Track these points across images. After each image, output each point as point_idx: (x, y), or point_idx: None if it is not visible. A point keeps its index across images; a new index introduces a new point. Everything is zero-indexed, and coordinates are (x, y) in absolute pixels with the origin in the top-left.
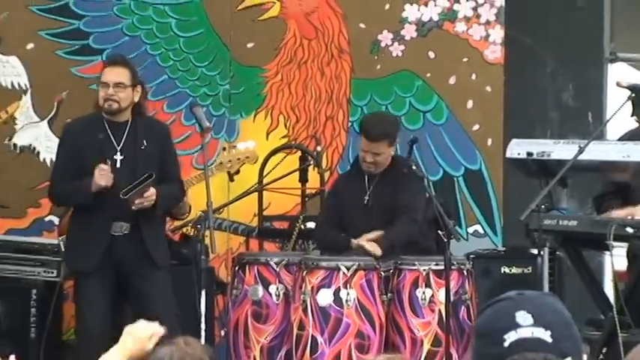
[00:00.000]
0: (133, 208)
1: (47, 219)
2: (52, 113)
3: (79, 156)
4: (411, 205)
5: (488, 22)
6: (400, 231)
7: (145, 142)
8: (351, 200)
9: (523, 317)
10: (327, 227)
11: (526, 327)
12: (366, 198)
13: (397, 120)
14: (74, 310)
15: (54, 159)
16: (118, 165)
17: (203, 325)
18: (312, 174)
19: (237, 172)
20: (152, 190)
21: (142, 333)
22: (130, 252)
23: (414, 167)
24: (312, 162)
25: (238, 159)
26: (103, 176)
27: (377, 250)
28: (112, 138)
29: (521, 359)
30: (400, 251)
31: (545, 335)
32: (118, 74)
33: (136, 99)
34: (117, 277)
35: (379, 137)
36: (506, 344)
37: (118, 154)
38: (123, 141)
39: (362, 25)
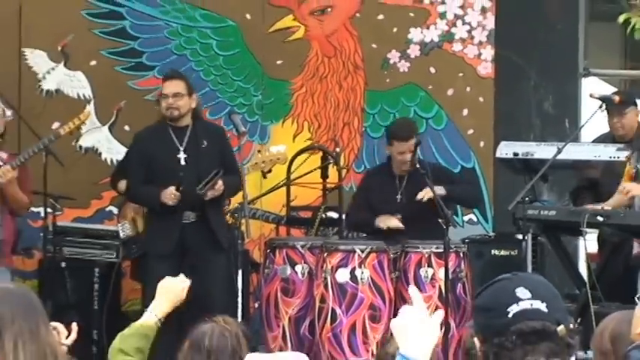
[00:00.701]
0: (206, 198)
1: (108, 209)
2: (112, 120)
3: (149, 159)
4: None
5: (480, 43)
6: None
7: (204, 141)
8: (384, 198)
9: (522, 292)
10: (357, 212)
11: (526, 300)
12: (399, 197)
13: (415, 122)
14: (141, 285)
15: (114, 159)
16: (183, 163)
17: (240, 299)
18: (332, 171)
19: (270, 171)
20: (220, 182)
21: (177, 286)
22: (197, 237)
23: (417, 165)
24: (331, 161)
25: (271, 160)
26: (170, 199)
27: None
28: (176, 140)
29: (524, 327)
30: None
31: (542, 306)
32: (175, 86)
33: (193, 105)
34: (183, 257)
35: (409, 135)
36: (510, 315)
37: (182, 153)
38: (185, 142)
39: (374, 46)
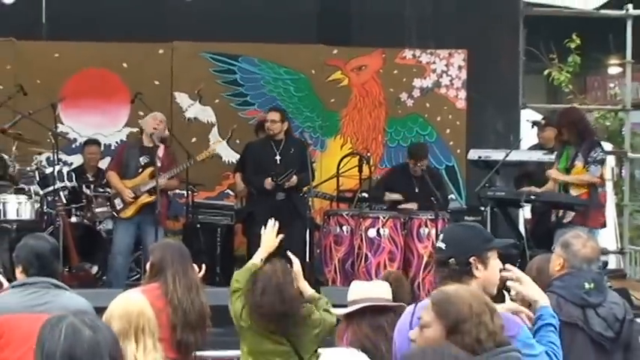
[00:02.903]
0: (285, 186)
1: (226, 191)
2: (229, 136)
3: (257, 159)
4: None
5: (457, 88)
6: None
7: (292, 149)
8: (403, 186)
9: (441, 236)
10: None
11: (440, 241)
12: (416, 190)
13: (427, 146)
14: (246, 239)
15: (230, 160)
16: (278, 162)
17: (308, 248)
18: (365, 168)
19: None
20: (294, 177)
21: (271, 238)
22: (284, 208)
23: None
24: (365, 161)
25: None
26: (269, 185)
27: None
28: (275, 148)
29: (435, 256)
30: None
31: (443, 246)
32: (273, 116)
33: (285, 128)
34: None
35: (424, 155)
36: (437, 245)
37: (277, 156)
38: (280, 150)
39: (391, 90)
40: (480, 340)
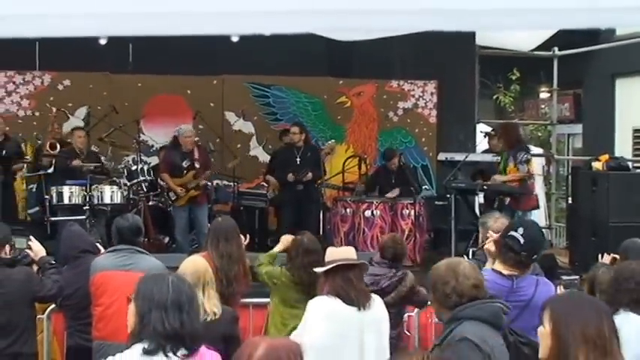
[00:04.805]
0: (303, 180)
1: (262, 184)
2: (264, 143)
3: (283, 161)
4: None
5: (430, 108)
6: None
7: (308, 153)
8: (385, 180)
9: (520, 229)
10: (370, 186)
11: (517, 233)
12: (393, 181)
13: (397, 150)
14: (277, 217)
15: (264, 160)
16: (298, 163)
17: (322, 224)
18: (363, 165)
19: (329, 153)
20: (309, 174)
21: (288, 240)
22: (303, 196)
23: (402, 163)
24: (363, 161)
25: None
26: (291, 179)
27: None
28: (296, 152)
29: (508, 241)
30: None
31: (521, 239)
32: (294, 129)
33: (304, 137)
34: (297, 206)
35: (393, 156)
36: (509, 234)
37: (298, 159)
38: (300, 153)
39: (382, 109)
40: (446, 294)
